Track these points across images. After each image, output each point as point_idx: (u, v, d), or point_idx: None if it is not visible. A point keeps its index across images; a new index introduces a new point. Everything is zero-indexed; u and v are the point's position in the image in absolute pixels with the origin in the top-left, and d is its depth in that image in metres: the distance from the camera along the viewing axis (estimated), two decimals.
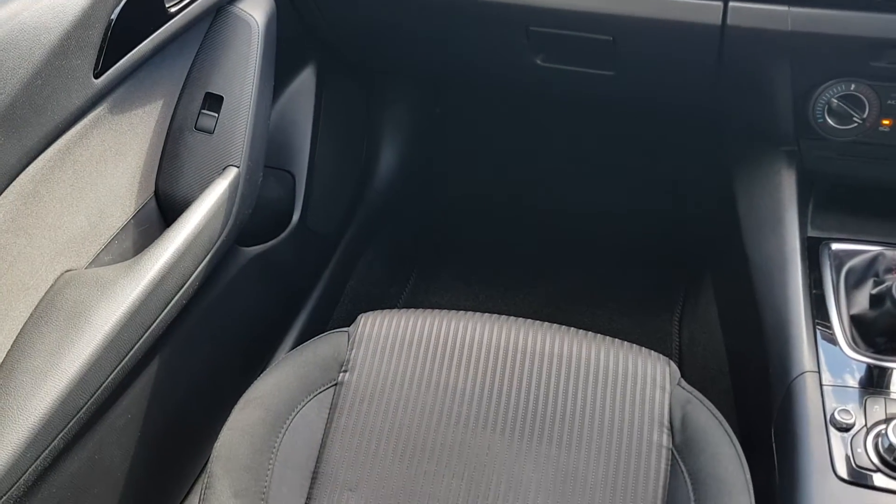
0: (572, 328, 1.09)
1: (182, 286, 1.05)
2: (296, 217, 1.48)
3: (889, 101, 1.07)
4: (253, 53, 1.19)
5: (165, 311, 1.02)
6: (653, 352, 1.07)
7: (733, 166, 1.32)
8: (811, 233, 1.19)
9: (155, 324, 1.00)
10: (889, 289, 1.02)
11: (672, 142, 1.54)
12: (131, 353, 0.97)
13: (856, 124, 1.10)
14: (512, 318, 1.10)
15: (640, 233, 1.87)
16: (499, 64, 1.36)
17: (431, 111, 1.79)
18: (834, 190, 1.22)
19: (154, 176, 1.15)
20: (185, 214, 1.08)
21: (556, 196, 1.93)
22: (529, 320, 1.10)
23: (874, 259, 1.12)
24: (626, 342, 1.08)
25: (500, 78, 1.46)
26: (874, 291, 1.06)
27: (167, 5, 1.06)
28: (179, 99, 1.16)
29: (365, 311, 1.12)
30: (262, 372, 1.09)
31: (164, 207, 1.15)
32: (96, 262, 1.04)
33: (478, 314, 1.11)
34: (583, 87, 1.34)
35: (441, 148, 1.89)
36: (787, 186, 1.20)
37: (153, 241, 1.06)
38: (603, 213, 1.89)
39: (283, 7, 1.28)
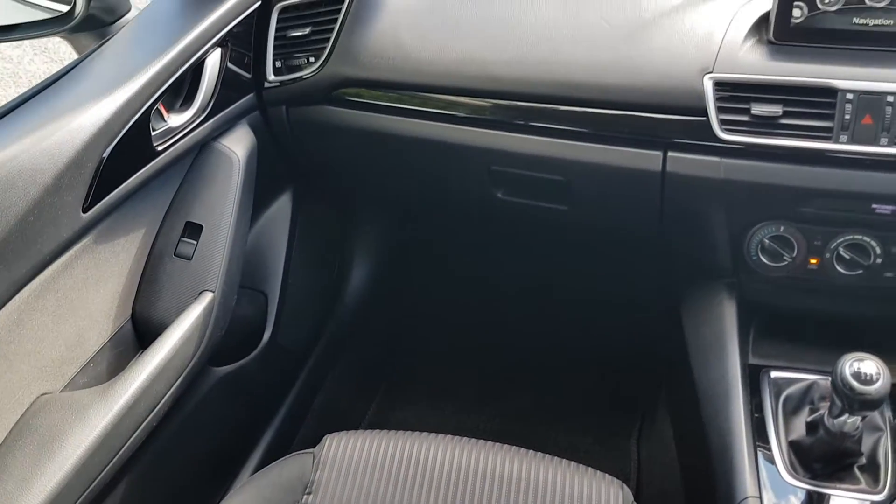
0: (531, 451, 1.15)
1: (153, 409, 1.09)
2: (267, 335, 1.54)
3: (815, 242, 1.18)
4: (233, 186, 1.27)
5: (136, 434, 1.06)
6: (607, 475, 1.12)
7: (681, 294, 1.41)
8: (752, 360, 1.26)
9: (125, 447, 1.04)
10: (822, 417, 1.09)
11: (626, 267, 1.64)
12: (100, 476, 1.00)
13: (786, 262, 1.20)
14: (473, 440, 1.16)
15: (600, 352, 1.94)
16: (463, 196, 1.46)
17: (401, 234, 1.88)
18: (773, 319, 1.31)
19: (132, 300, 1.20)
20: (160, 338, 1.13)
21: (519, 317, 2.01)
22: (490, 442, 1.15)
23: (810, 387, 1.20)
24: (581, 465, 1.13)
25: (464, 207, 1.56)
26: (809, 419, 1.14)
27: (155, 144, 1.15)
28: (161, 227, 1.24)
29: (332, 429, 1.17)
30: (226, 493, 1.12)
31: (141, 330, 1.20)
32: (72, 384, 1.08)
33: (440, 436, 1.16)
34: (540, 219, 1.44)
35: (410, 268, 1.97)
36: (729, 316, 1.29)
37: (128, 363, 1.11)
38: (564, 333, 1.97)
39: (264, 142, 1.38)
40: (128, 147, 1.08)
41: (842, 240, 1.16)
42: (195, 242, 1.22)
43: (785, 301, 1.28)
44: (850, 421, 1.05)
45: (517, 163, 1.29)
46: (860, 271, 1.17)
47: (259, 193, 1.38)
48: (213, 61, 1.23)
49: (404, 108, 1.31)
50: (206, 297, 1.20)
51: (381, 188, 1.61)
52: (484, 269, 1.93)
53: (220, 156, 1.29)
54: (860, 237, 1.15)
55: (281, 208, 1.57)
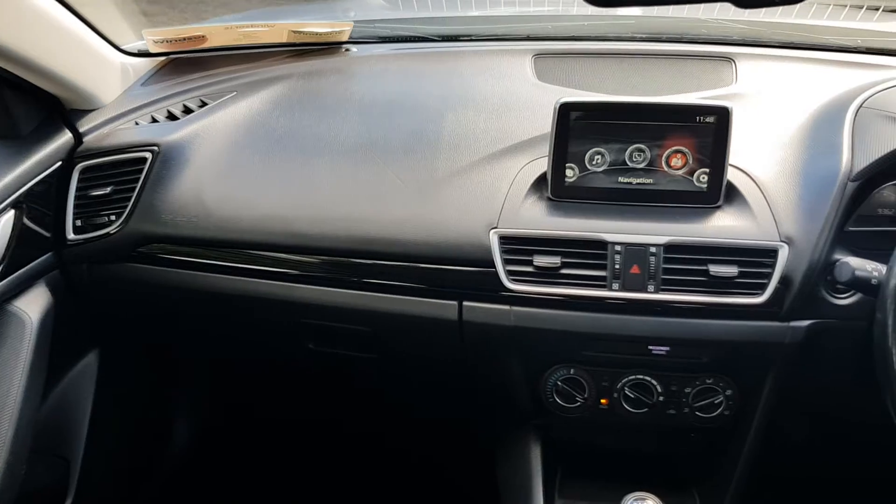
0: None
1: None
2: None
3: (603, 384, 1.25)
4: (24, 349, 1.21)
5: None
6: None
7: (496, 434, 1.44)
8: (558, 501, 1.29)
9: None
10: None
11: (444, 410, 1.66)
12: None
13: (579, 403, 1.26)
14: None
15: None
16: (275, 348, 1.46)
17: (220, 386, 1.84)
18: (579, 458, 1.36)
19: None
20: None
21: (343, 468, 1.97)
22: None
23: None
24: None
25: (279, 357, 1.55)
26: None
27: None
28: None
29: None
30: None
31: None
32: None
33: None
34: (355, 366, 1.45)
35: (231, 420, 1.92)
36: (535, 458, 1.32)
37: None
38: (381, 490, 1.94)
39: (65, 301, 1.33)
40: None
41: (626, 380, 1.24)
42: None
43: (588, 439, 1.33)
44: None
45: (325, 315, 1.31)
46: (646, 409, 1.24)
47: (60, 353, 1.32)
48: (4, 223, 1.20)
49: (209, 264, 1.31)
50: None
51: (195, 343, 1.58)
52: (308, 413, 1.90)
53: (11, 317, 1.23)
54: (642, 377, 1.23)
55: (86, 368, 1.50)
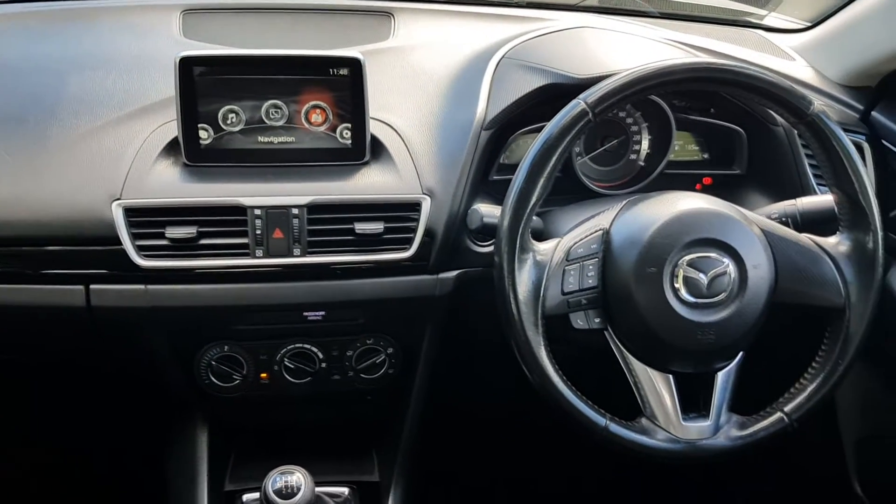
0: None
1: None
2: None
3: (262, 357, 1.17)
4: None
5: None
6: None
7: (168, 427, 1.33)
8: (228, 487, 1.22)
9: None
10: None
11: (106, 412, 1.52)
12: None
13: (238, 381, 1.18)
14: None
15: None
16: None
17: None
18: (254, 439, 1.28)
19: None
20: None
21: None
22: None
23: None
24: None
25: None
26: None
27: None
28: None
29: None
30: None
31: None
32: None
33: None
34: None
35: None
36: (200, 445, 1.23)
37: None
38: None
39: None
40: None
41: (285, 350, 1.17)
42: None
43: (256, 420, 1.26)
44: None
45: None
46: (309, 378, 1.19)
47: None
48: None
49: None
50: None
51: None
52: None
53: None
54: (301, 345, 1.18)
55: None
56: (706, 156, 1.36)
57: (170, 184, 1.10)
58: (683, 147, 1.35)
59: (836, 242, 1.06)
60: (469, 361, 1.39)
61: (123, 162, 1.10)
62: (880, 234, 1.03)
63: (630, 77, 0.98)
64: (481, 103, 1.20)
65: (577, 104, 0.99)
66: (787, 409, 1.04)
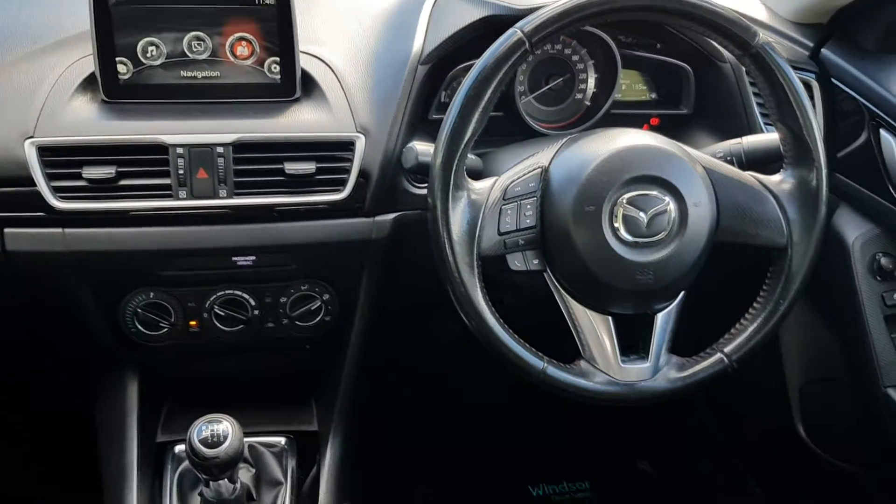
0: None
1: None
2: None
3: (190, 304, 1.12)
4: None
5: None
6: None
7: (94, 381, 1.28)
8: (160, 438, 1.18)
9: None
10: None
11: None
12: None
13: (166, 329, 1.13)
14: None
15: None
16: None
17: None
18: (191, 389, 1.24)
19: None
20: None
21: None
22: None
23: None
24: None
25: None
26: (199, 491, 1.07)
27: None
28: None
29: None
30: None
31: None
32: None
33: None
34: None
35: None
36: (130, 397, 1.19)
37: None
38: None
39: None
40: None
41: (215, 297, 1.13)
42: None
43: (190, 370, 1.22)
44: (224, 485, 1.00)
45: None
46: (241, 326, 1.14)
47: None
48: None
49: None
50: None
51: None
52: None
53: None
54: (231, 292, 1.13)
55: None
56: (654, 95, 1.32)
57: (86, 121, 1.04)
58: (630, 86, 1.31)
59: (779, 180, 1.03)
60: (410, 310, 1.36)
61: (37, 98, 1.03)
62: (824, 171, 1.00)
63: (568, 5, 0.93)
64: (419, 37, 1.14)
65: (513, 33, 0.94)
66: (726, 349, 1.02)
